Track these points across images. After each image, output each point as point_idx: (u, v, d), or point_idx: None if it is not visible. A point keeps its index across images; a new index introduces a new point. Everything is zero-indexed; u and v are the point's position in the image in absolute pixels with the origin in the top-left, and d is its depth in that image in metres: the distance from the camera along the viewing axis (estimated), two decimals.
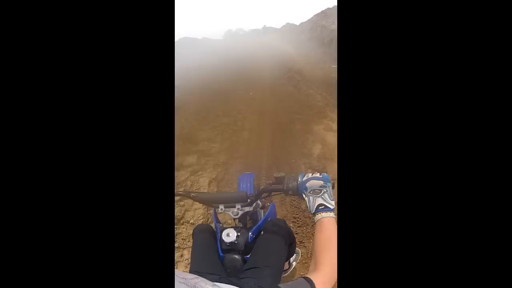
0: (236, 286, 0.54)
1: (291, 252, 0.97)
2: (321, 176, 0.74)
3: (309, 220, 1.88)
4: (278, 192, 0.82)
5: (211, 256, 0.84)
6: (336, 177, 0.53)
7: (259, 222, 0.92)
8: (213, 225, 0.96)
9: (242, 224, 0.94)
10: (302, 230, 1.84)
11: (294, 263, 1.21)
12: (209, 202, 0.95)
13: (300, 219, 1.91)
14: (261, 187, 0.86)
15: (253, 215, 1.02)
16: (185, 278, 0.46)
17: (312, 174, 0.75)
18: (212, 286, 0.47)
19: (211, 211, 1.03)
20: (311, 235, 1.76)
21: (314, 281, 0.55)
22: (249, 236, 0.85)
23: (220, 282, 0.53)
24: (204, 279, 0.48)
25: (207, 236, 0.90)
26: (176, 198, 0.96)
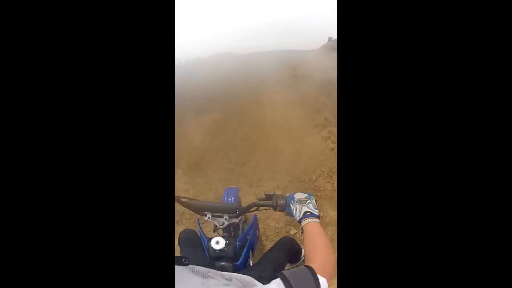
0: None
1: (297, 256, 1.22)
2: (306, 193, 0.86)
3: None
4: (266, 208, 0.90)
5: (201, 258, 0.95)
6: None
7: (245, 230, 1.02)
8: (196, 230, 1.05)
9: (227, 234, 1.03)
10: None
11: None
12: (199, 209, 0.97)
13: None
14: (252, 202, 0.93)
15: (235, 227, 1.11)
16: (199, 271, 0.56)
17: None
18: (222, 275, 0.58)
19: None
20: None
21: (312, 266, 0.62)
22: (237, 244, 0.93)
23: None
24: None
25: (193, 244, 1.01)
26: None
